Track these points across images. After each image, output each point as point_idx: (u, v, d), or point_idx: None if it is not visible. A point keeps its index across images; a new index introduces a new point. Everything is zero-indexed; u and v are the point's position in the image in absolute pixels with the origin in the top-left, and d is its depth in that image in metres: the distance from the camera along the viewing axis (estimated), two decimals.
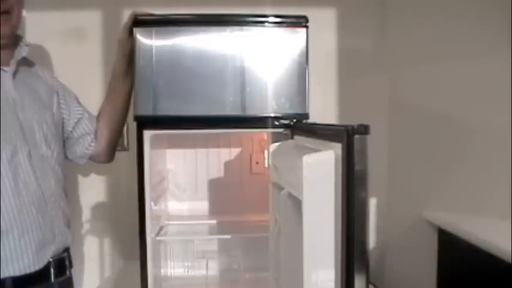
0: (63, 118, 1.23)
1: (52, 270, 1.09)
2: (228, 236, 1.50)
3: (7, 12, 1.05)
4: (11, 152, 1.02)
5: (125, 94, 1.27)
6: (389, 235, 1.76)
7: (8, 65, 1.08)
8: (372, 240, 1.74)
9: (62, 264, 1.13)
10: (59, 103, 1.21)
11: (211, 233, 1.54)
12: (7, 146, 1.01)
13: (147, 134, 1.25)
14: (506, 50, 1.60)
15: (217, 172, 1.67)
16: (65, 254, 1.15)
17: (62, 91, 1.25)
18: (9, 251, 1.01)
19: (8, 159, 1.01)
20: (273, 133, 1.32)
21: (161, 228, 1.48)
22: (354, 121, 0.80)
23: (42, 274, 1.07)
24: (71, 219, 1.21)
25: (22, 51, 1.12)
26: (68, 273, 1.16)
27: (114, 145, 1.33)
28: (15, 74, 1.08)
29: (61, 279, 1.13)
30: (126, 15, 1.63)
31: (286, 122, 1.26)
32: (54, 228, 1.09)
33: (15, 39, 1.13)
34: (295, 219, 0.97)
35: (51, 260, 1.09)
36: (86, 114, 1.28)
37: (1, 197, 1.00)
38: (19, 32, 1.17)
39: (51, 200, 1.09)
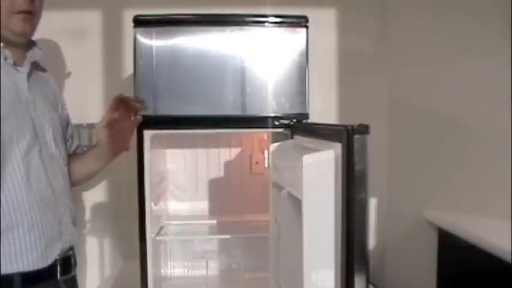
0: (68, 121, 1.26)
1: (58, 268, 1.10)
2: (228, 236, 1.50)
3: (30, 12, 1.08)
4: (25, 149, 1.04)
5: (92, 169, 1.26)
6: (389, 235, 1.76)
7: (21, 65, 1.10)
8: (372, 240, 1.73)
9: (68, 262, 1.14)
10: (62, 108, 1.24)
11: (211, 233, 1.54)
12: (21, 143, 1.04)
13: (147, 134, 1.26)
14: (506, 50, 1.59)
15: (217, 172, 1.67)
16: (71, 252, 1.16)
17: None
18: (18, 244, 1.02)
19: (22, 156, 1.04)
20: (273, 133, 1.32)
21: (161, 228, 1.49)
22: (354, 121, 0.80)
23: (48, 271, 1.08)
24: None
25: (35, 55, 1.15)
26: (73, 272, 1.17)
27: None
28: (28, 75, 1.10)
29: (66, 277, 1.13)
30: (126, 15, 1.66)
31: (286, 122, 1.26)
32: (62, 225, 1.11)
33: (29, 42, 1.15)
34: (295, 219, 0.97)
35: (58, 257, 1.10)
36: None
37: (13, 192, 1.02)
38: None
39: (60, 197, 1.11)
